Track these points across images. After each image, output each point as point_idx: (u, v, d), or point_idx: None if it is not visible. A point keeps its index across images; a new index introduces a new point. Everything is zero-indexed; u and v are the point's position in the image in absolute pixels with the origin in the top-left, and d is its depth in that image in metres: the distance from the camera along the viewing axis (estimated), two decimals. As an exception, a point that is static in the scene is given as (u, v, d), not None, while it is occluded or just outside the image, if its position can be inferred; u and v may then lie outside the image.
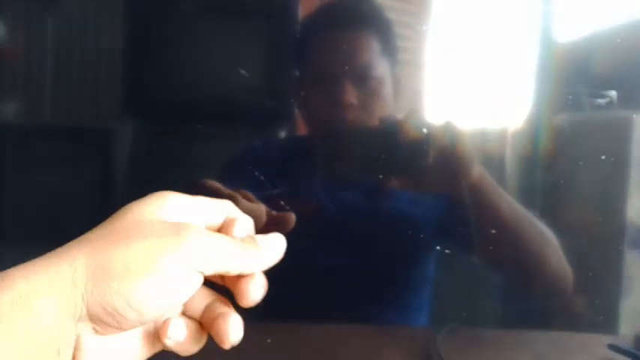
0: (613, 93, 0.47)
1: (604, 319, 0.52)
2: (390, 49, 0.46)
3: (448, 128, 0.46)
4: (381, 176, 0.46)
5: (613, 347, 0.51)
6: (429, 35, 0.46)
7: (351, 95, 0.45)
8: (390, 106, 0.47)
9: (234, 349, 0.31)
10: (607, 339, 0.51)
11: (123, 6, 0.48)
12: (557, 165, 0.48)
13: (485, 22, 0.47)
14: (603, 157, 0.48)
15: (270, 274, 0.41)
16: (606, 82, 0.48)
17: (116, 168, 0.49)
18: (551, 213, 0.49)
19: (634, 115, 0.48)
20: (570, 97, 0.47)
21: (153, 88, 0.49)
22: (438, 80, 0.47)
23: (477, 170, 0.46)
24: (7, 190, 0.49)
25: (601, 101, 0.47)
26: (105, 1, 0.48)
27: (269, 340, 0.48)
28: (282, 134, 0.49)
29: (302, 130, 0.48)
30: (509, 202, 0.47)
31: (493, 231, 0.47)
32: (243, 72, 0.46)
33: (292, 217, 0.44)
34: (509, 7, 0.47)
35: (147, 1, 0.48)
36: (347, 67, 0.46)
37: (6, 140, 0.49)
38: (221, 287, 0.34)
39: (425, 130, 0.45)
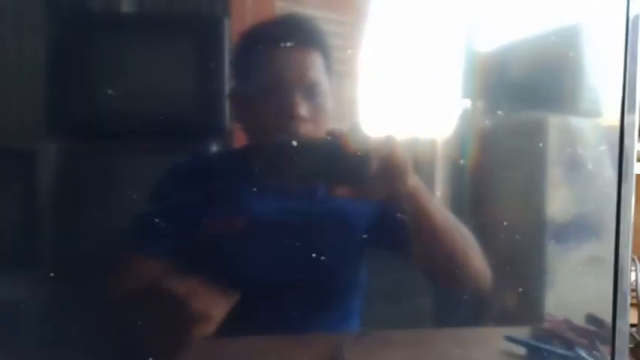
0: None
1: (505, 313, 0.53)
2: (330, 65, 0.48)
3: (386, 140, 0.48)
4: (322, 184, 0.49)
5: (509, 338, 0.52)
6: (362, 45, 0.49)
7: (303, 109, 0.47)
8: (330, 119, 0.49)
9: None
10: (508, 332, 0.53)
11: (45, 20, 0.46)
12: (483, 168, 0.51)
13: (413, 33, 0.50)
14: (521, 158, 0.51)
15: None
16: (524, 88, 0.51)
17: (41, 189, 0.47)
18: (477, 213, 0.52)
19: (548, 118, 0.52)
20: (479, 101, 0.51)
21: (79, 105, 0.47)
22: (371, 90, 0.50)
23: (412, 179, 0.48)
24: None
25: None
26: (26, 15, 0.46)
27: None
28: (215, 147, 0.49)
29: (237, 141, 0.48)
30: (440, 209, 0.50)
31: (424, 234, 0.50)
32: (177, 85, 0.47)
33: None
34: (435, 19, 0.50)
35: (70, 14, 0.47)
36: (298, 82, 0.47)
37: None
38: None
39: (366, 142, 0.48)
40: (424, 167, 0.50)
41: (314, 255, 0.48)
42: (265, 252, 0.49)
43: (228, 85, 0.47)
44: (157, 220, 0.47)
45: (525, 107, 0.52)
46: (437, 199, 0.50)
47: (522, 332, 0.53)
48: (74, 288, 0.47)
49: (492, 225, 0.52)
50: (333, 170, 0.48)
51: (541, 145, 0.51)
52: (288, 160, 0.47)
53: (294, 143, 0.47)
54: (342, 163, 0.47)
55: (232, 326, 0.47)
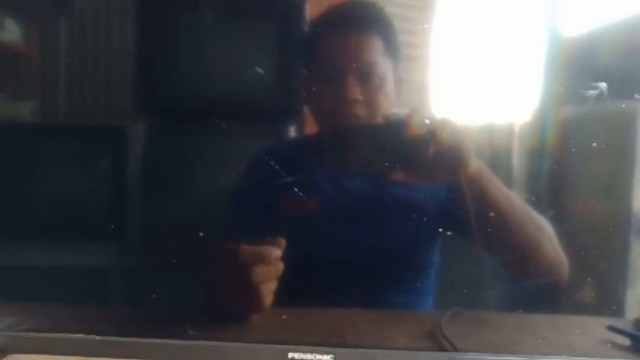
0: (603, 85, 0.47)
1: (606, 305, 0.53)
2: (392, 48, 0.48)
3: (447, 124, 0.48)
4: (385, 168, 0.49)
5: (612, 328, 0.53)
6: (433, 30, 0.48)
7: (356, 91, 0.48)
8: (392, 102, 0.49)
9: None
10: (608, 321, 0.53)
11: (135, 6, 0.50)
12: (564, 157, 0.50)
13: (488, 15, 0.49)
14: (608, 149, 0.49)
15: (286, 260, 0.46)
16: (611, 75, 0.48)
17: (130, 166, 0.51)
18: (558, 204, 0.50)
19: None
20: (563, 88, 0.48)
21: (165, 87, 0.51)
22: (442, 75, 0.49)
23: (475, 164, 0.48)
24: (23, 188, 0.52)
25: (591, 92, 0.48)
26: (117, 1, 0.50)
27: (284, 317, 0.50)
28: (292, 130, 0.51)
29: (310, 124, 0.50)
30: (506, 194, 0.49)
31: (490, 220, 0.49)
32: (259, 70, 0.48)
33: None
34: (514, 0, 0.49)
35: (159, 1, 0.50)
36: (352, 65, 0.48)
37: (22, 139, 0.52)
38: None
39: (426, 127, 0.48)
40: (504, 155, 0.50)
41: (381, 236, 0.51)
42: (335, 233, 0.51)
43: (299, 69, 0.49)
44: (239, 199, 0.50)
45: (616, 95, 0.49)
46: (503, 186, 0.49)
47: (624, 324, 0.53)
48: (157, 258, 0.52)
49: (583, 216, 0.51)
50: (390, 153, 0.48)
51: (632, 134, 0.49)
52: (346, 142, 0.49)
53: (352, 128, 0.49)
54: (399, 146, 0.48)
55: (313, 298, 0.51)
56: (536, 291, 0.52)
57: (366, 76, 0.48)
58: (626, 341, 0.52)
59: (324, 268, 0.50)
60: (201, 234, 0.50)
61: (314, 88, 0.49)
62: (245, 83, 0.49)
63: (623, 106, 0.49)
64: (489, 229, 0.49)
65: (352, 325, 0.53)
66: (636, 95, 0.49)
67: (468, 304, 0.52)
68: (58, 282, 0.54)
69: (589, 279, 0.52)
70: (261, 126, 0.50)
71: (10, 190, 0.52)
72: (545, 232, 0.50)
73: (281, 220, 0.51)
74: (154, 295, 0.52)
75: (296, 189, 0.49)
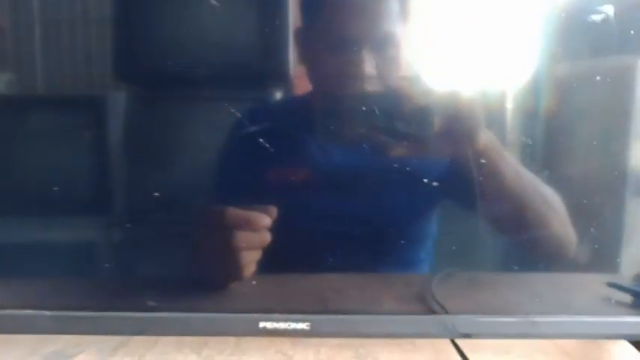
0: (609, 8, 0.44)
1: (604, 262, 0.51)
2: (406, 12, 0.44)
3: (454, 95, 0.45)
4: (387, 140, 0.46)
5: (613, 285, 0.51)
6: None
7: (370, 66, 0.43)
8: (402, 63, 0.45)
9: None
10: (607, 278, 0.51)
11: None
12: (560, 116, 0.47)
13: None
14: (604, 106, 0.48)
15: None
16: (608, 29, 0.46)
17: (111, 135, 0.48)
18: (554, 164, 0.48)
19: (639, 61, 0.47)
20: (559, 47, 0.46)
21: (144, 54, 0.48)
22: (437, 39, 0.46)
23: (484, 136, 0.45)
24: (2, 161, 0.49)
25: (595, 18, 0.45)
26: None
27: (255, 283, 0.46)
28: (278, 96, 0.47)
29: (299, 90, 0.46)
30: (515, 167, 0.47)
31: (497, 194, 0.47)
32: (213, 2, 0.43)
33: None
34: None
35: None
36: (367, 35, 0.43)
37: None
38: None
39: (433, 96, 0.45)
40: (497, 118, 0.47)
41: (376, 207, 0.48)
42: (328, 202, 0.48)
43: (294, 30, 0.44)
44: (223, 167, 0.47)
45: (611, 51, 0.47)
46: (512, 158, 0.47)
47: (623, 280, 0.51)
48: (142, 229, 0.49)
49: (574, 175, 0.49)
50: (397, 125, 0.45)
51: (628, 91, 0.47)
52: (347, 114, 0.45)
53: (353, 97, 0.44)
54: (406, 117, 0.45)
55: (303, 270, 0.48)
56: (532, 249, 0.50)
57: (383, 47, 0.43)
58: (626, 297, 0.50)
59: (315, 239, 0.48)
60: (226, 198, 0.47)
61: (317, 53, 0.44)
62: (226, 47, 0.46)
63: (619, 62, 0.48)
64: (496, 205, 0.48)
65: (336, 290, 0.50)
66: (632, 51, 0.47)
67: (460, 265, 0.50)
68: (23, 257, 0.50)
69: (587, 236, 0.50)
70: (250, 91, 0.47)
71: None
72: (554, 208, 0.48)
73: (269, 188, 0.48)
74: (121, 268, 0.49)
75: (286, 156, 0.46)
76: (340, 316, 0.46)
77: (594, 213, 0.49)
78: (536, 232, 0.49)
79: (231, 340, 0.54)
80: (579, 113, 0.48)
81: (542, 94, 0.47)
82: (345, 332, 0.47)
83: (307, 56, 0.45)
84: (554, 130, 0.48)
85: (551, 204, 0.48)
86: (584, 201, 0.49)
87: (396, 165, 0.46)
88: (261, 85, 0.46)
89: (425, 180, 0.47)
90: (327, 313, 0.46)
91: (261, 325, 0.45)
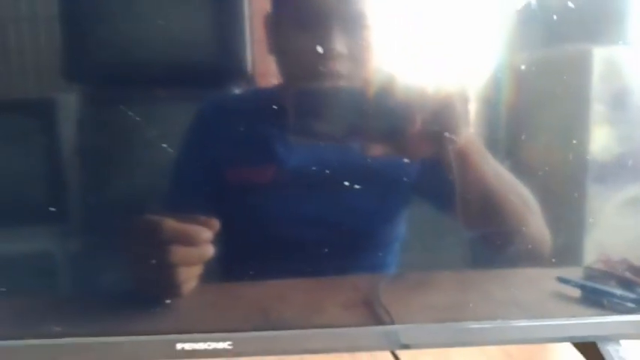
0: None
1: (558, 255, 0.50)
2: None
3: (433, 90, 0.43)
4: (360, 138, 0.44)
5: (562, 279, 0.50)
6: None
7: (341, 44, 0.41)
8: (379, 56, 0.43)
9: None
10: (557, 273, 0.50)
11: None
12: (519, 106, 0.46)
13: None
14: (562, 94, 0.47)
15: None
16: (567, 16, 0.45)
17: (62, 138, 0.46)
18: (514, 152, 0.47)
19: (593, 49, 0.47)
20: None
21: (94, 52, 0.45)
22: (412, 31, 0.44)
23: (465, 135, 0.44)
24: None
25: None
26: None
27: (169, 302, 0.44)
28: (238, 91, 0.44)
29: (262, 84, 0.44)
30: (495, 166, 0.46)
31: (474, 194, 0.46)
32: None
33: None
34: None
35: None
36: (338, 11, 0.41)
37: None
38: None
39: (411, 92, 0.43)
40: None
41: (341, 210, 0.46)
42: (291, 204, 0.46)
43: (263, 16, 0.41)
44: (180, 169, 0.44)
45: (566, 39, 0.47)
46: (492, 159, 0.45)
47: (574, 274, 0.50)
48: (96, 238, 0.47)
49: (533, 165, 0.48)
50: (369, 123, 0.43)
51: (584, 79, 0.47)
52: (318, 106, 0.43)
53: (326, 87, 0.42)
54: (379, 115, 0.42)
55: (256, 270, 0.45)
56: (508, 249, 0.49)
57: (354, 26, 0.42)
58: (577, 292, 0.50)
59: (274, 246, 0.46)
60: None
61: (283, 33, 0.42)
62: (187, 39, 0.43)
63: (576, 49, 0.47)
64: (473, 206, 0.46)
65: (280, 298, 0.47)
66: (588, 38, 0.47)
67: (410, 266, 0.49)
68: None
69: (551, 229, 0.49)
70: (208, 88, 0.44)
71: None
72: (531, 207, 0.47)
73: (225, 190, 0.45)
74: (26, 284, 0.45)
75: (245, 154, 0.44)
76: (263, 333, 0.43)
77: (551, 204, 0.48)
78: (514, 232, 0.48)
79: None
80: (539, 103, 0.47)
81: (501, 85, 0.46)
82: (272, 350, 0.44)
83: (275, 43, 0.42)
84: (515, 121, 0.47)
85: (528, 204, 0.47)
86: (546, 191, 0.48)
87: (365, 163, 0.44)
88: (220, 82, 0.44)
89: (397, 179, 0.45)
90: (250, 331, 0.43)
91: (179, 346, 0.42)
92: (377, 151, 0.44)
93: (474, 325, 0.46)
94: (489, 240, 0.49)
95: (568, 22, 0.46)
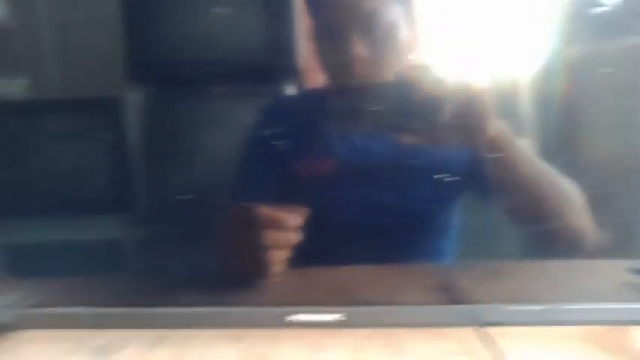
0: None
1: (625, 247, 0.51)
2: None
3: (464, 84, 0.45)
4: (397, 130, 0.46)
5: (635, 270, 0.51)
6: None
7: (360, 48, 0.44)
8: (406, 50, 0.45)
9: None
10: (627, 264, 0.51)
11: None
12: (576, 101, 0.47)
13: None
14: (621, 86, 0.47)
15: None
16: (620, 10, 0.46)
17: (129, 135, 0.50)
18: (573, 147, 0.48)
19: None
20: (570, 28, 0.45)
21: (159, 53, 0.49)
22: (440, 24, 0.46)
23: (494, 126, 0.45)
24: (20, 164, 0.51)
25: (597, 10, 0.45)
26: None
27: (286, 278, 0.49)
28: (289, 89, 0.48)
29: (309, 83, 0.47)
30: (528, 157, 0.47)
31: (510, 185, 0.47)
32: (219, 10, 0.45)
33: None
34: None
35: None
36: (353, 17, 0.44)
37: (17, 116, 0.50)
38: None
39: (440, 86, 0.45)
40: (510, 106, 0.47)
41: (397, 198, 0.49)
42: (349, 194, 0.49)
43: (297, 25, 0.45)
44: (247, 161, 0.48)
45: (623, 32, 0.47)
46: (524, 148, 0.47)
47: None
48: (164, 226, 0.52)
49: (591, 159, 0.49)
50: (403, 115, 0.45)
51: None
52: (355, 104, 0.45)
53: (359, 86, 0.45)
54: (412, 107, 0.44)
55: (327, 263, 0.50)
56: (547, 240, 0.50)
57: (370, 28, 0.44)
58: None
59: (338, 232, 0.49)
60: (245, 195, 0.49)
61: (318, 43, 0.45)
62: (243, 41, 0.47)
63: (633, 41, 0.47)
64: (510, 196, 0.48)
65: (362, 282, 0.52)
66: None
67: (482, 255, 0.51)
68: (62, 256, 0.53)
69: (608, 222, 0.49)
70: (264, 86, 0.48)
71: (12, 166, 0.51)
72: (569, 198, 0.48)
73: (292, 183, 0.49)
74: (154, 265, 0.51)
75: (306, 149, 0.47)
76: (372, 307, 0.48)
77: (615, 198, 0.49)
78: (551, 223, 0.49)
79: (263, 333, 0.57)
80: (594, 98, 0.48)
81: (554, 80, 0.46)
82: (376, 322, 0.49)
83: (314, 48, 0.46)
84: (569, 117, 0.48)
85: (566, 194, 0.48)
86: (604, 186, 0.49)
87: (413, 155, 0.47)
88: (274, 81, 0.47)
89: (443, 171, 0.47)
90: (359, 305, 0.48)
91: (294, 317, 0.48)
92: (409, 140, 0.46)
93: (561, 306, 0.49)
94: (529, 229, 0.50)
95: (622, 15, 0.46)
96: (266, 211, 0.48)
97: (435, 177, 0.48)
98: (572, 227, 0.49)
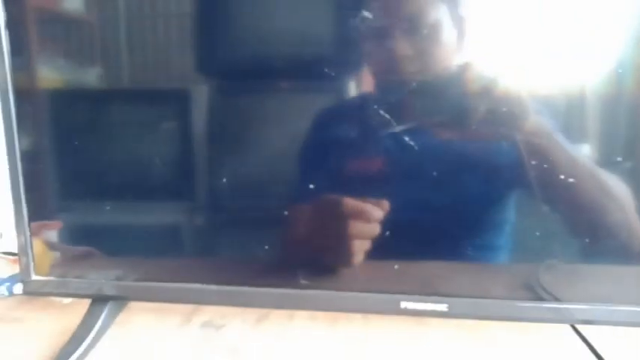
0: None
1: None
2: None
3: (499, 80, 0.46)
4: (441, 124, 0.48)
5: None
6: None
7: (404, 47, 0.46)
8: (451, 50, 0.47)
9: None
10: None
11: None
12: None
13: None
14: None
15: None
16: None
17: (195, 127, 0.53)
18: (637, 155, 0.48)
19: None
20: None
21: (225, 48, 0.51)
22: (504, 24, 0.47)
23: (532, 121, 0.47)
24: (90, 152, 0.54)
25: None
26: None
27: (396, 267, 0.52)
28: (352, 86, 0.50)
29: (368, 80, 0.49)
30: (567, 152, 0.48)
31: (551, 178, 0.48)
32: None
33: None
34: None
35: None
36: (396, 18, 0.46)
37: (89, 105, 0.53)
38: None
39: (481, 82, 0.46)
40: (575, 104, 0.47)
41: (449, 193, 0.51)
42: (403, 191, 0.51)
43: (353, 26, 0.47)
44: (307, 159, 0.51)
45: None
46: (564, 142, 0.47)
47: None
48: (224, 215, 0.55)
49: None
50: (446, 110, 0.47)
51: None
52: (401, 100, 0.48)
53: (403, 84, 0.47)
54: (454, 103, 0.47)
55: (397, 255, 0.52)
56: (590, 236, 0.51)
57: (414, 29, 0.46)
58: None
59: (400, 226, 0.51)
60: (311, 186, 0.51)
61: (368, 44, 0.48)
62: (303, 39, 0.49)
63: None
64: (552, 190, 0.48)
65: (446, 278, 0.53)
66: None
67: (558, 257, 0.52)
68: (154, 238, 0.57)
69: None
70: (321, 83, 0.49)
71: (86, 154, 0.54)
72: (614, 196, 0.48)
73: (343, 179, 0.51)
74: (264, 248, 0.54)
75: (361, 146, 0.50)
76: (475, 300, 0.51)
77: None
78: (593, 219, 0.50)
79: (358, 316, 0.60)
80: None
81: (622, 80, 0.47)
82: (476, 314, 0.52)
83: (365, 48, 0.48)
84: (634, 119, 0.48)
85: (610, 191, 0.48)
86: None
87: (456, 150, 0.49)
88: (335, 78, 0.49)
89: (488, 166, 0.49)
90: (461, 297, 0.51)
91: (403, 305, 0.51)
92: (450, 134, 0.48)
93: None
94: (573, 225, 0.50)
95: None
96: (353, 202, 0.51)
97: (481, 172, 0.50)
98: (615, 223, 0.50)
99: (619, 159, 0.48)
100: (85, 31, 0.52)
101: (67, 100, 0.54)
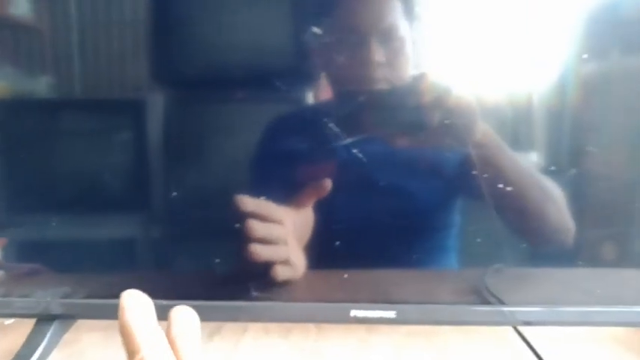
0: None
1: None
2: (410, 9, 0.49)
3: (451, 89, 0.49)
4: (395, 132, 0.50)
5: None
6: None
7: (379, 54, 0.48)
8: (410, 64, 0.50)
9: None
10: None
11: None
12: (586, 116, 0.50)
13: None
14: (632, 105, 0.50)
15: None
16: (632, 27, 0.48)
17: (149, 138, 0.52)
18: (581, 163, 0.51)
19: None
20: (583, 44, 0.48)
21: (180, 57, 0.51)
22: (455, 33, 0.49)
23: (481, 128, 0.49)
24: (41, 164, 0.53)
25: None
26: None
27: (345, 276, 0.53)
28: (310, 95, 0.51)
29: (325, 89, 0.50)
30: (512, 159, 0.51)
31: (498, 185, 0.50)
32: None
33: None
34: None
35: None
36: (374, 28, 0.48)
37: (38, 115, 0.52)
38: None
39: (434, 92, 0.48)
40: (521, 114, 0.49)
41: (398, 199, 0.52)
42: (352, 198, 0.52)
43: (311, 33, 0.48)
44: (256, 167, 0.51)
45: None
46: (509, 150, 0.50)
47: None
48: (178, 228, 0.54)
49: (603, 179, 0.51)
50: (402, 119, 0.49)
51: None
52: (361, 107, 0.49)
53: (367, 92, 0.48)
54: (410, 111, 0.49)
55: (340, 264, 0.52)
56: (531, 238, 0.53)
57: (388, 39, 0.49)
58: None
59: (347, 233, 0.52)
60: (262, 198, 0.51)
61: (333, 52, 0.49)
62: (260, 50, 0.49)
63: None
64: (497, 195, 0.51)
65: (397, 284, 0.54)
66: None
67: (503, 261, 0.53)
68: (105, 253, 0.56)
69: (619, 232, 0.52)
70: (278, 92, 0.49)
71: (34, 166, 0.53)
72: (552, 198, 0.51)
73: (297, 186, 0.51)
74: (215, 261, 0.54)
75: (313, 156, 0.50)
76: (423, 306, 0.52)
77: (624, 210, 0.52)
78: (535, 222, 0.52)
79: (312, 327, 0.60)
80: (606, 112, 0.50)
81: (568, 91, 0.49)
82: (424, 320, 0.53)
83: (319, 61, 0.49)
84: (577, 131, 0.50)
85: (548, 194, 0.51)
86: (614, 198, 0.51)
87: (408, 157, 0.50)
88: (292, 87, 0.49)
89: (436, 172, 0.51)
90: (410, 303, 0.52)
91: (352, 313, 0.51)
92: (403, 142, 0.50)
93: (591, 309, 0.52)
94: (515, 228, 0.52)
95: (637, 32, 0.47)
96: (251, 201, 0.51)
97: (429, 179, 0.52)
98: (553, 224, 0.52)
99: (553, 168, 0.51)
100: (34, 37, 0.50)
101: (15, 109, 0.52)
